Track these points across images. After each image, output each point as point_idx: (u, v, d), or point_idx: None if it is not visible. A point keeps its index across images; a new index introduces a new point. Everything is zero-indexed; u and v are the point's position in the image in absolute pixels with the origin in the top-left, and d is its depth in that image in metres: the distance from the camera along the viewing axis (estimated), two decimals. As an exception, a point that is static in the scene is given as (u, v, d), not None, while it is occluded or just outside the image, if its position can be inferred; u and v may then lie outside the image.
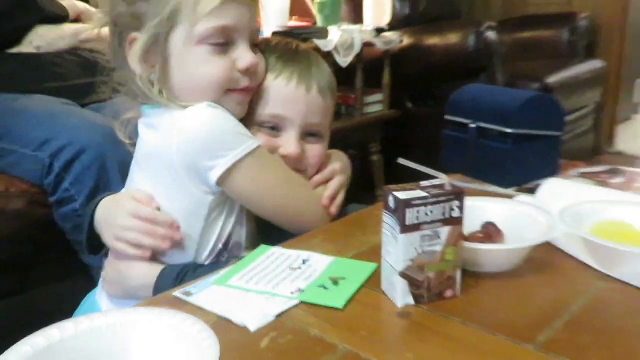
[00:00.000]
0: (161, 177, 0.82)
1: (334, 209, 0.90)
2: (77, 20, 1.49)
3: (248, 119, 0.88)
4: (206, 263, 0.84)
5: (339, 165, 0.94)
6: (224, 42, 0.80)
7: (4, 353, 0.50)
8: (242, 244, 0.88)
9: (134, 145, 0.88)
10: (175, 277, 0.79)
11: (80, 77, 1.39)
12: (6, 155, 1.19)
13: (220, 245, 0.85)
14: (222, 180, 0.79)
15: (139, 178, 0.87)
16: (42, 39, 1.41)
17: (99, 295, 0.91)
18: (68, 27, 1.46)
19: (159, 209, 0.82)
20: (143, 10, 0.78)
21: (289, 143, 0.87)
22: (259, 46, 0.87)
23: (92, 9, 1.54)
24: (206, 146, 0.78)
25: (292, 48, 0.93)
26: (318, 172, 0.93)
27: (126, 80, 0.84)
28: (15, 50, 1.39)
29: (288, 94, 0.87)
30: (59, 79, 1.37)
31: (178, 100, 0.81)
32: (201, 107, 0.79)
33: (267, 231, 0.88)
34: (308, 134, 0.90)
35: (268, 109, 0.87)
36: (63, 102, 1.31)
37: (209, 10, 0.77)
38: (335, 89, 0.95)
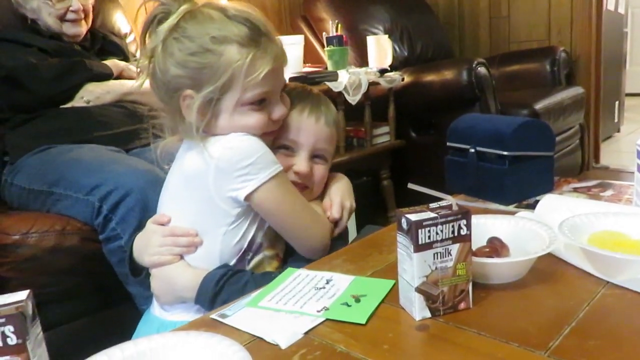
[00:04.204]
0: (194, 193, 0.85)
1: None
2: (119, 77, 1.51)
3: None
4: (232, 262, 0.86)
5: (348, 201, 0.97)
6: (262, 102, 0.85)
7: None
8: (263, 244, 0.89)
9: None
10: (216, 282, 0.81)
11: (124, 126, 1.40)
12: (62, 200, 1.20)
13: (244, 246, 0.87)
14: (248, 197, 0.82)
15: (171, 195, 0.90)
16: (91, 94, 1.43)
17: (153, 309, 0.93)
18: (113, 83, 1.48)
19: (169, 220, 0.88)
20: (199, 76, 0.81)
21: (300, 162, 0.93)
22: (283, 89, 0.92)
23: (132, 67, 1.56)
24: (237, 171, 0.81)
25: (306, 89, 0.99)
26: (324, 191, 0.98)
27: (173, 123, 0.88)
28: (68, 105, 1.41)
29: (301, 123, 0.93)
30: (106, 128, 1.38)
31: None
32: (236, 137, 0.83)
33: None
34: (315, 156, 0.95)
35: (285, 135, 0.92)
36: (110, 149, 1.31)
37: (256, 82, 0.82)
38: (340, 124, 1.01)
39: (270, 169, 0.82)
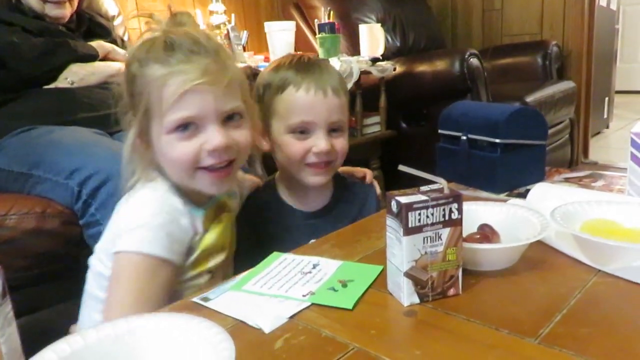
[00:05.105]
0: None
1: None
2: (105, 59, 1.48)
3: (281, 128, 0.92)
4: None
5: None
6: (190, 129, 0.75)
7: (31, 358, 0.46)
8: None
9: None
10: None
11: (109, 108, 1.35)
12: (41, 183, 1.16)
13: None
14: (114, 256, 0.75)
15: None
16: (75, 75, 1.39)
17: None
18: (98, 64, 1.44)
19: None
20: (133, 102, 0.77)
21: (319, 141, 0.90)
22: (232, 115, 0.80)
23: (118, 49, 1.53)
24: (118, 226, 0.77)
25: (304, 61, 0.95)
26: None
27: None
28: (52, 85, 1.38)
29: (310, 102, 0.90)
30: (90, 110, 1.34)
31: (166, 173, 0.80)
32: (146, 194, 0.78)
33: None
34: (331, 130, 0.93)
35: (296, 117, 0.90)
36: (93, 132, 1.28)
37: (170, 105, 0.73)
38: (346, 87, 0.97)
39: (139, 246, 0.73)
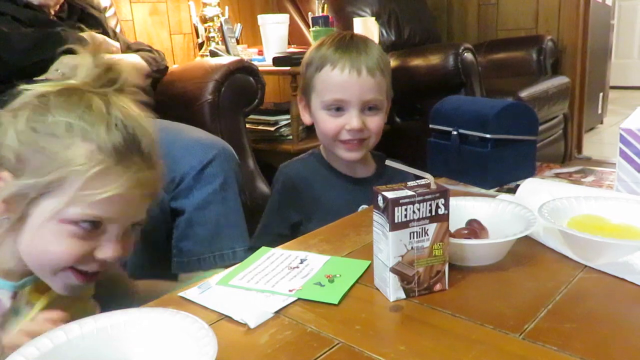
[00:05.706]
0: None
1: None
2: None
3: (318, 104, 0.99)
4: None
5: None
6: (89, 229, 0.61)
7: (10, 355, 0.45)
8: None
9: None
10: None
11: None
12: None
13: None
14: None
15: None
16: (66, 66, 1.38)
17: None
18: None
19: None
20: (28, 159, 0.60)
21: (351, 119, 0.96)
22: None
23: (110, 41, 1.52)
24: None
25: (346, 40, 0.99)
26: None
27: None
28: (42, 77, 1.37)
29: (344, 81, 0.95)
30: (81, 102, 1.33)
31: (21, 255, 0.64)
32: None
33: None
34: (366, 108, 0.98)
35: (330, 95, 0.96)
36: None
37: (93, 201, 0.59)
38: (387, 66, 1.01)
39: None
